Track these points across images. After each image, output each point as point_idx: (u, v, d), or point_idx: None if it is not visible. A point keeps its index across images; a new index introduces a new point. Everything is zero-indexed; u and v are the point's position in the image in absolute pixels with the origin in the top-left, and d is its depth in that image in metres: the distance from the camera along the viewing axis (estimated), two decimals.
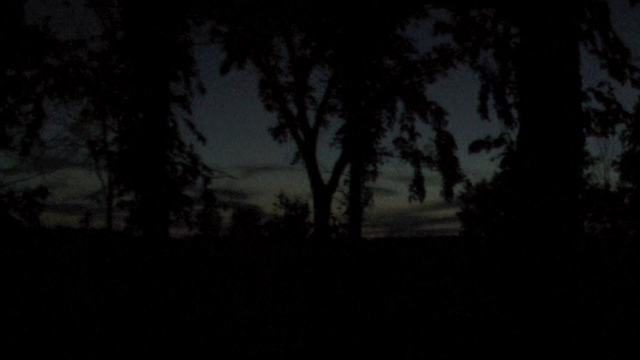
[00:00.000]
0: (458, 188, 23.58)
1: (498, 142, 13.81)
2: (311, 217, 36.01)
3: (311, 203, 22.23)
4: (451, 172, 21.83)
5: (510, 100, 16.74)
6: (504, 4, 12.34)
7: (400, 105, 21.86)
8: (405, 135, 22.07)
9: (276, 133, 22.03)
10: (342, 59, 19.58)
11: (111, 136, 22.67)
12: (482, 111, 18.36)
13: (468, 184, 22.80)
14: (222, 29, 17.57)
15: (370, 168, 21.83)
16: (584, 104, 10.06)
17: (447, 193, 22.29)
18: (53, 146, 19.18)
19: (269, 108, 21.46)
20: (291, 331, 10.43)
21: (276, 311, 12.29)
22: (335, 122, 21.91)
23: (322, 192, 20.97)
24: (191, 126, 14.59)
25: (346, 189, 21.28)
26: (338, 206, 21.64)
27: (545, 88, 8.87)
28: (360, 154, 21.02)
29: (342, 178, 21.16)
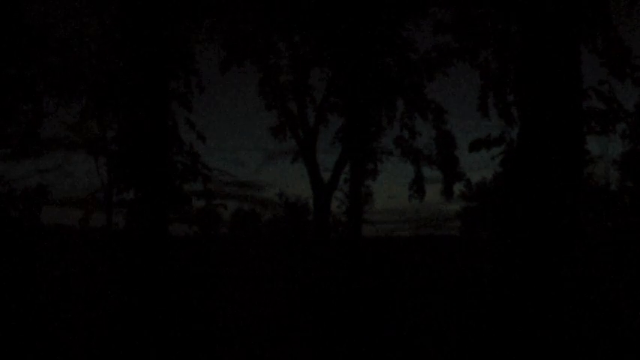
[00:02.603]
0: (459, 187, 23.64)
1: (498, 140, 13.77)
2: (311, 217, 36.06)
3: (311, 202, 22.26)
4: (451, 171, 21.84)
5: (510, 98, 16.73)
6: (504, 3, 12.31)
7: (400, 104, 21.87)
8: (405, 134, 22.08)
9: (277, 131, 22.05)
10: (342, 58, 19.57)
11: (110, 134, 22.69)
12: (483, 110, 18.35)
13: (469, 183, 22.81)
14: (222, 28, 17.55)
15: (370, 167, 21.86)
16: (584, 103, 10.04)
17: (447, 192, 22.30)
18: (53, 145, 19.18)
19: (269, 107, 21.47)
20: (289, 336, 10.42)
21: (273, 314, 12.28)
22: (335, 121, 21.94)
23: (322, 191, 20.96)
24: (191, 125, 14.60)
25: (346, 188, 21.31)
26: (338, 205, 21.69)
27: (546, 87, 8.85)
28: (360, 153, 21.02)
29: (343, 176, 21.18)
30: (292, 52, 20.29)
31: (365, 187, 21.65)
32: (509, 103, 16.32)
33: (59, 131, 24.35)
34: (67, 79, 15.72)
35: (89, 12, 17.02)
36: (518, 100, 10.98)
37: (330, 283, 16.08)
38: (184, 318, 11.37)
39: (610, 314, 10.94)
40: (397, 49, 19.63)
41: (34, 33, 13.71)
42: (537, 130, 8.64)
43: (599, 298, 12.49)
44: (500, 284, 9.82)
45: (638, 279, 15.51)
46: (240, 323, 10.78)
